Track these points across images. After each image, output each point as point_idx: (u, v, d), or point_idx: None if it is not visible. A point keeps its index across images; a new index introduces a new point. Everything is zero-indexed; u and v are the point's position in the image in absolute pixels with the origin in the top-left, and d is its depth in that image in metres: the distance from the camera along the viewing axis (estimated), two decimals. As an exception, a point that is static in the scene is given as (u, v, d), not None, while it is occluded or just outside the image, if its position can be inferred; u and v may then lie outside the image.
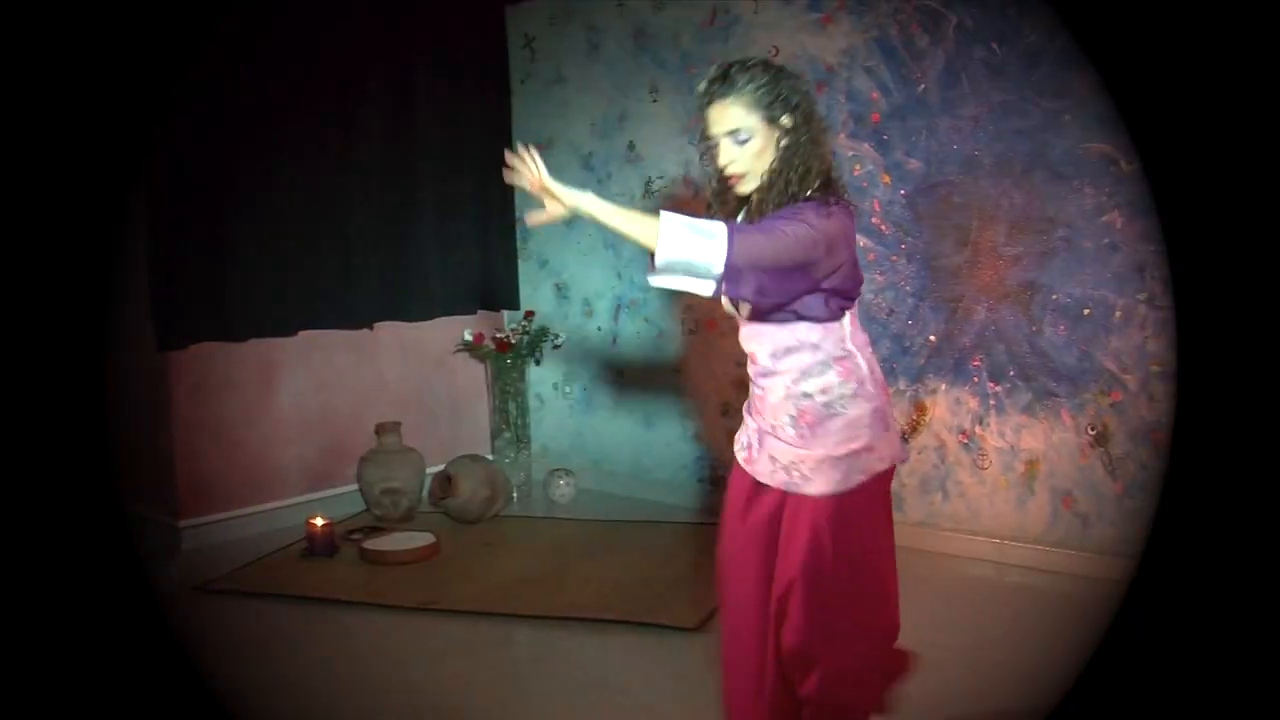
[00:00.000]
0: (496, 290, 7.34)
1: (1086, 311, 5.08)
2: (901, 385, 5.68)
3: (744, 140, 2.95)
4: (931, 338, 5.56)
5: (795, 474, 3.02)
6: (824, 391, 2.98)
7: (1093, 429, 5.13)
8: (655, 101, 6.53)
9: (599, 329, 7.05)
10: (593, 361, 7.09)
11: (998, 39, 5.20)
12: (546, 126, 7.14)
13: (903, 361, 5.67)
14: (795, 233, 2.78)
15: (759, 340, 3.05)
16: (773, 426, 3.07)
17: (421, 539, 5.77)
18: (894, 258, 5.64)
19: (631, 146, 6.68)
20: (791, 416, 3.02)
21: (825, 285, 2.90)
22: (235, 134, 5.90)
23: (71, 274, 2.36)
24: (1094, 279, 5.05)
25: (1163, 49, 2.23)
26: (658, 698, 4.04)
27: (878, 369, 3.09)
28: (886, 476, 3.11)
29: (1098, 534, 5.15)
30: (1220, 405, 2.17)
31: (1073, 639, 4.49)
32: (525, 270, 7.42)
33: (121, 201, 2.56)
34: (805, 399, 2.99)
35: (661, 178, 6.55)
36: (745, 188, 3.03)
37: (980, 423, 5.46)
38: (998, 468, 5.42)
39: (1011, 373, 5.32)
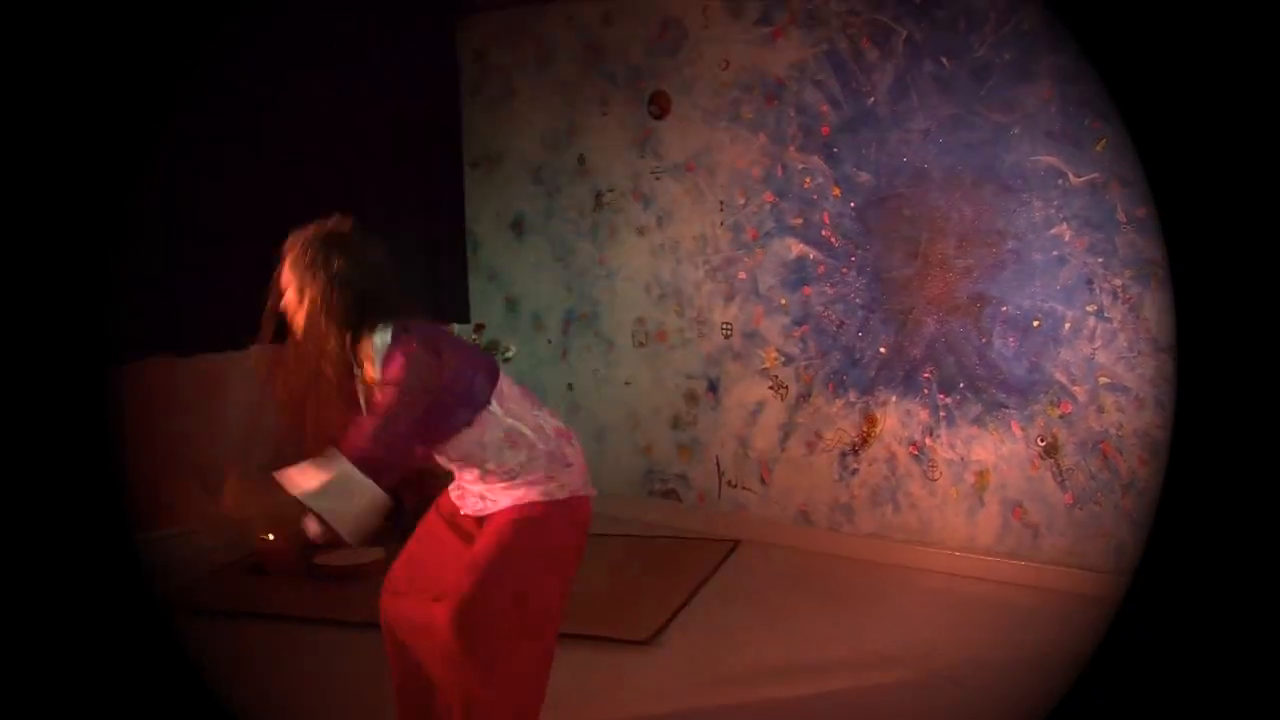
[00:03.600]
0: (446, 303, 7.30)
1: (1036, 323, 5.12)
2: (851, 397, 5.70)
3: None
4: (882, 350, 5.58)
5: (488, 500, 3.36)
6: (501, 464, 3.28)
7: (1042, 440, 5.16)
8: (605, 115, 6.52)
9: (549, 342, 7.03)
10: (543, 374, 7.07)
11: (946, 53, 5.23)
12: (496, 140, 7.12)
13: (853, 373, 5.68)
14: (396, 401, 3.09)
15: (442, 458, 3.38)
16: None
17: (371, 554, 5.72)
18: (844, 270, 5.65)
19: (581, 160, 6.67)
20: (480, 488, 3.37)
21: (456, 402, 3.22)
22: (182, 148, 5.84)
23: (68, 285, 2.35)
24: (1043, 291, 5.09)
25: (1161, 49, 2.25)
26: (610, 711, 4.03)
27: (549, 419, 3.39)
28: (569, 508, 3.36)
29: (1048, 544, 5.18)
30: (1218, 415, 2.19)
31: (1023, 649, 4.53)
32: (475, 283, 7.39)
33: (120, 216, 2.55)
34: (488, 474, 3.31)
35: (611, 190, 6.55)
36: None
37: (930, 434, 5.48)
38: (948, 479, 5.44)
39: (961, 384, 5.35)
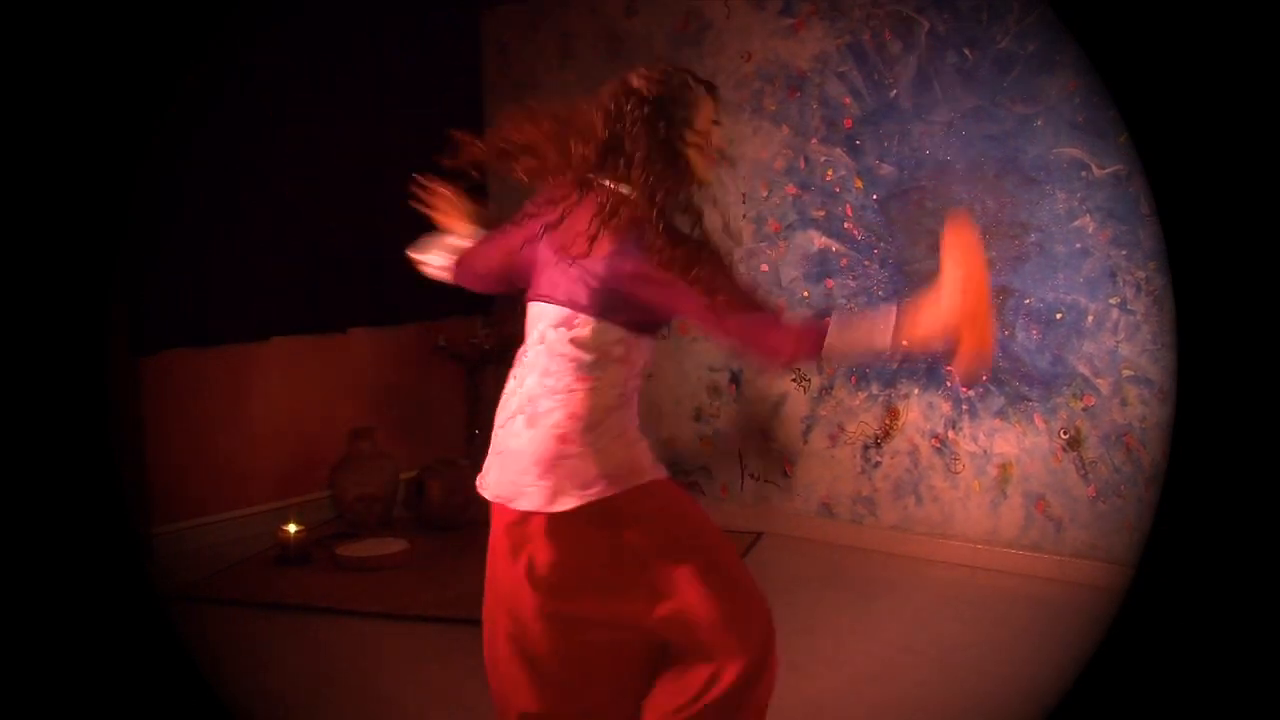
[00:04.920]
0: (470, 294, 7.30)
1: (1059, 316, 5.10)
2: (874, 390, 5.69)
3: None
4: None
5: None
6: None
7: (1065, 433, 5.15)
8: (628, 106, 6.51)
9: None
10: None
11: (969, 44, 5.22)
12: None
13: (875, 366, 5.67)
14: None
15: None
16: None
17: (395, 545, 5.75)
18: (866, 262, 5.64)
19: (604, 151, 6.66)
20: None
21: None
22: (205, 141, 5.86)
23: (71, 280, 2.35)
24: (1066, 283, 5.07)
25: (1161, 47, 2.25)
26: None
27: None
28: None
29: (1071, 537, 5.17)
30: (1219, 409, 2.18)
31: (1047, 642, 4.52)
32: (498, 275, 7.40)
33: (123, 211, 2.55)
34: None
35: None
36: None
37: (953, 427, 5.47)
38: (971, 472, 5.44)
39: (984, 377, 5.33)
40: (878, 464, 5.74)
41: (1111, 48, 2.42)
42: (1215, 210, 2.19)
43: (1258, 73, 2.15)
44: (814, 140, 5.77)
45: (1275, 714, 2.04)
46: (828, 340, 2.67)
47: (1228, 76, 2.18)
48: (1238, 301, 2.17)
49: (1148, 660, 2.27)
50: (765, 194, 5.98)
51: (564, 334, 2.82)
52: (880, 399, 5.69)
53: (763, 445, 6.16)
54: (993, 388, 5.32)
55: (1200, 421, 2.21)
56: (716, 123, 2.82)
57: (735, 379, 6.21)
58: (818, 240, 5.81)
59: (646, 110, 2.70)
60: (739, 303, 2.68)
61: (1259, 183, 2.14)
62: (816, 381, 5.90)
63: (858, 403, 5.77)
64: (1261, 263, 2.13)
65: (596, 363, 2.79)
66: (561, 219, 2.86)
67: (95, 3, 2.43)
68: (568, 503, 2.71)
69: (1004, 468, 5.34)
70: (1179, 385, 2.36)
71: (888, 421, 5.67)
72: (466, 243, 3.33)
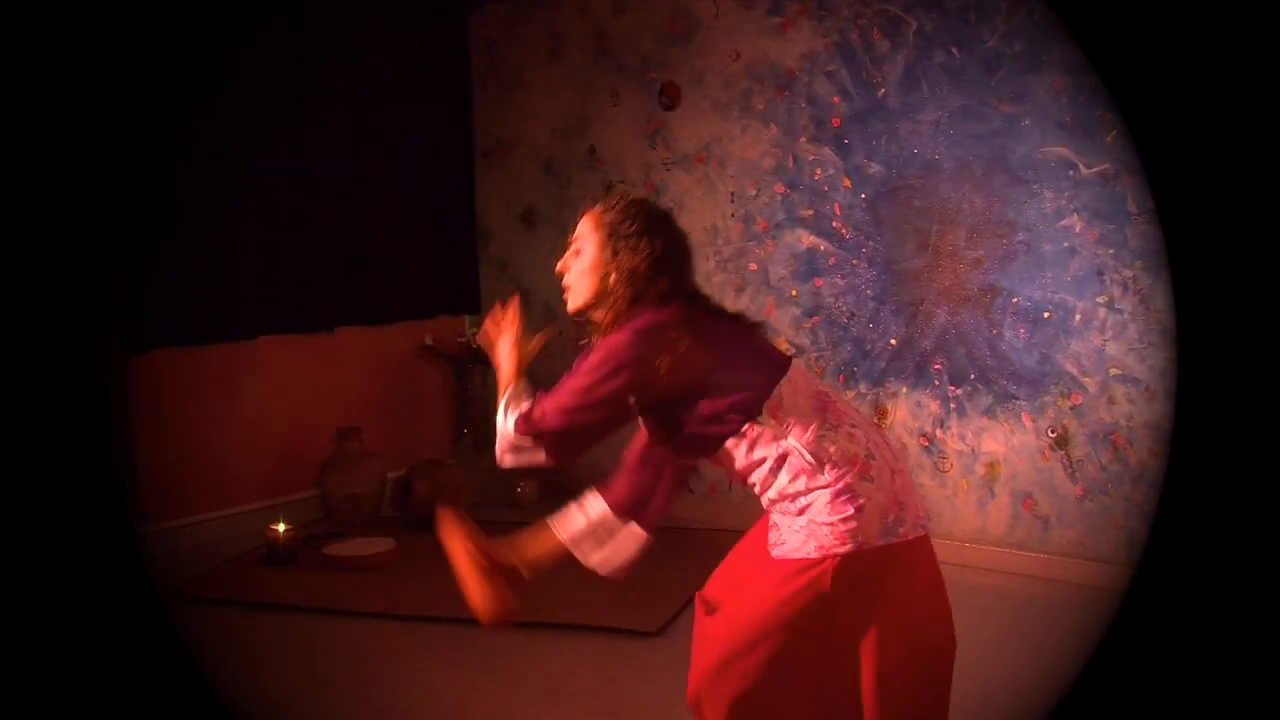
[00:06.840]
0: (457, 293, 7.31)
1: (1046, 315, 5.11)
2: (862, 389, 5.69)
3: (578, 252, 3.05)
4: (892, 341, 5.58)
5: (779, 532, 2.76)
6: (780, 494, 2.70)
7: (1053, 431, 5.15)
8: (616, 106, 6.52)
9: (561, 333, 7.03)
10: (554, 365, 7.07)
11: (957, 44, 5.22)
12: (507, 130, 7.12)
13: (863, 365, 5.68)
14: (572, 386, 3.01)
15: (726, 466, 2.83)
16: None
17: (382, 544, 5.74)
18: (854, 261, 5.65)
19: (592, 151, 6.66)
20: (774, 516, 2.76)
21: (685, 414, 2.89)
22: (193, 140, 5.84)
23: (70, 278, 2.35)
24: (1054, 282, 5.08)
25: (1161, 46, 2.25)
26: (619, 702, 4.03)
27: (850, 437, 2.71)
28: (849, 564, 2.68)
29: (1058, 536, 5.17)
30: (1219, 409, 2.18)
31: (1034, 640, 4.53)
32: (486, 274, 7.39)
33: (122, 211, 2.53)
34: (770, 501, 2.75)
35: (622, 181, 6.55)
36: (571, 303, 3.13)
37: (941, 425, 5.47)
38: (959, 470, 5.44)
39: (972, 376, 5.34)
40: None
41: (1108, 43, 2.41)
42: (1215, 207, 2.19)
43: (1257, 68, 2.15)
44: (802, 139, 5.77)
45: (1269, 713, 2.04)
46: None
47: (1226, 71, 2.18)
48: (1236, 300, 2.17)
49: (1139, 659, 2.27)
50: (754, 193, 5.98)
51: None
52: (868, 397, 5.69)
53: (751, 444, 6.15)
54: (980, 386, 5.33)
55: (1200, 420, 2.21)
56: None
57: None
58: (806, 239, 5.81)
59: None
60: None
61: (1259, 180, 2.14)
62: (804, 380, 5.90)
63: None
64: (1260, 260, 2.13)
65: None
66: None
67: (82, 6, 2.43)
68: None
69: (991, 466, 5.35)
70: (1178, 384, 2.35)
71: (876, 420, 5.67)
72: None
